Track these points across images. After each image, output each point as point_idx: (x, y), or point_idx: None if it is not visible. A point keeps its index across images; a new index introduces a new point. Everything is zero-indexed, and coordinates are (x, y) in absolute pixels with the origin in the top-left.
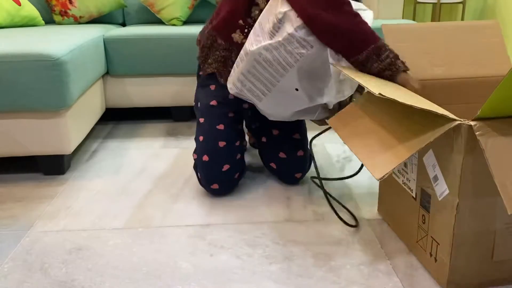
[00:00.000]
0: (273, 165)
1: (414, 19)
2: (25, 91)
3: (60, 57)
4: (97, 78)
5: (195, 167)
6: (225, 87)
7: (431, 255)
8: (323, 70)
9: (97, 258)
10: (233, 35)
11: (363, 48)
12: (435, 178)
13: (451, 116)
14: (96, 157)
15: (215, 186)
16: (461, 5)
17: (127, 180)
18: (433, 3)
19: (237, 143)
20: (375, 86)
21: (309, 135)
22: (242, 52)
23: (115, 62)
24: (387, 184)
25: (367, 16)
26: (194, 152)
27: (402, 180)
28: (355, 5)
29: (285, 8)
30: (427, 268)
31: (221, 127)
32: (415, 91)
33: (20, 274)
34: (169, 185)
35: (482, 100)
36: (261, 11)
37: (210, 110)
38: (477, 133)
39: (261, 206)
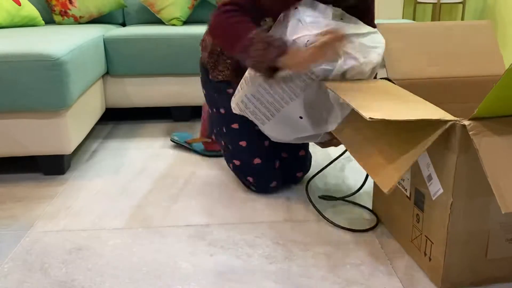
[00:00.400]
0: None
1: (414, 19)
2: (25, 91)
3: (60, 57)
4: (97, 78)
5: (240, 175)
6: None
7: (425, 254)
8: (328, 99)
9: (97, 258)
10: None
11: (234, 47)
12: (429, 177)
13: (447, 117)
14: (96, 157)
15: (274, 184)
16: (461, 5)
17: (127, 180)
18: (433, 3)
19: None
20: (363, 103)
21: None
22: (247, 74)
23: (115, 62)
24: None
25: (376, 40)
26: (232, 159)
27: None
28: (364, 29)
29: (294, 37)
30: (422, 267)
31: (256, 127)
32: (312, 58)
33: (20, 274)
34: (169, 185)
35: (476, 99)
36: (270, 26)
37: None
38: (470, 132)
39: (261, 206)
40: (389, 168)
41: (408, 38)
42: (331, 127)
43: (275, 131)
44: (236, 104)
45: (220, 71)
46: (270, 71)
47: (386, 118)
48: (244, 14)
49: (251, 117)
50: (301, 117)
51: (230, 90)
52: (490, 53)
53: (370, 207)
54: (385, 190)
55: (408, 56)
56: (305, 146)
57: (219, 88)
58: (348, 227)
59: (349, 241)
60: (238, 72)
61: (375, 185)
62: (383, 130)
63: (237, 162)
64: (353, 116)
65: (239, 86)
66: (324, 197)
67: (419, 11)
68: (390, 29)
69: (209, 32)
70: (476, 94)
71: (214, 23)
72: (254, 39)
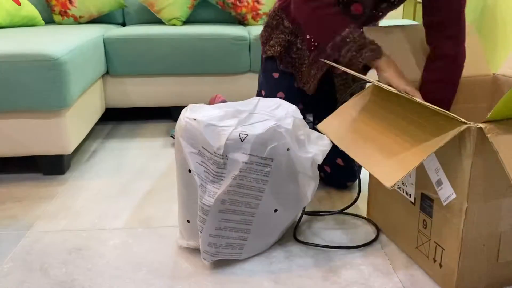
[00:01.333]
0: (327, 168)
1: (414, 19)
2: (25, 91)
3: (60, 57)
4: (97, 78)
5: None
6: (287, 74)
7: (435, 260)
8: (292, 173)
9: (97, 258)
10: None
11: (326, 41)
12: (439, 182)
13: (461, 119)
14: (96, 157)
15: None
16: None
17: (127, 180)
18: None
19: None
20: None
21: None
22: (200, 214)
23: (115, 62)
24: (379, 189)
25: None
26: None
27: (397, 185)
28: None
29: (222, 141)
30: (430, 273)
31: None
32: (400, 88)
33: (20, 274)
34: (169, 185)
35: (464, 100)
36: (362, 22)
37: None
38: (488, 135)
39: None
40: (391, 162)
41: (393, 41)
42: (310, 197)
43: (257, 244)
44: (204, 252)
45: (271, 46)
46: (364, 69)
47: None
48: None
49: (227, 252)
50: (275, 210)
51: (276, 75)
52: (474, 54)
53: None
54: (388, 185)
55: (394, 59)
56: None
57: (266, 68)
58: (351, 245)
59: (349, 241)
60: (287, 50)
61: (370, 190)
62: (382, 128)
63: None
64: (344, 110)
65: (198, 233)
66: (312, 213)
67: (419, 11)
68: (374, 31)
69: (295, 16)
70: (463, 96)
71: (304, 12)
72: (348, 39)
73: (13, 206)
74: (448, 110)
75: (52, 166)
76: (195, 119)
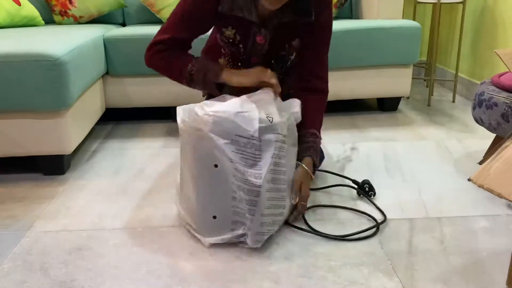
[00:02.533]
0: None
1: (414, 19)
2: (25, 91)
3: (60, 57)
4: (97, 78)
5: None
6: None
7: None
8: (293, 144)
9: (97, 258)
10: (219, 60)
11: (181, 82)
12: None
13: None
14: (96, 157)
15: None
16: (461, 5)
17: (127, 180)
18: (433, 3)
19: None
20: None
21: None
22: (249, 198)
23: (115, 62)
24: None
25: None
26: None
27: None
28: None
29: (256, 125)
30: None
31: None
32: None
33: (20, 274)
34: (169, 185)
35: None
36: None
37: None
38: None
39: None
40: None
41: None
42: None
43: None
44: (258, 235)
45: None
46: (218, 88)
47: None
48: (176, 48)
49: (272, 232)
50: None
51: None
52: None
53: (373, 208)
54: None
55: None
56: None
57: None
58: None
59: (349, 241)
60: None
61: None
62: None
63: None
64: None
65: (224, 234)
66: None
67: (419, 11)
68: None
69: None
70: None
71: (154, 64)
72: (192, 71)
73: (13, 206)
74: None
75: (52, 166)
76: (224, 111)
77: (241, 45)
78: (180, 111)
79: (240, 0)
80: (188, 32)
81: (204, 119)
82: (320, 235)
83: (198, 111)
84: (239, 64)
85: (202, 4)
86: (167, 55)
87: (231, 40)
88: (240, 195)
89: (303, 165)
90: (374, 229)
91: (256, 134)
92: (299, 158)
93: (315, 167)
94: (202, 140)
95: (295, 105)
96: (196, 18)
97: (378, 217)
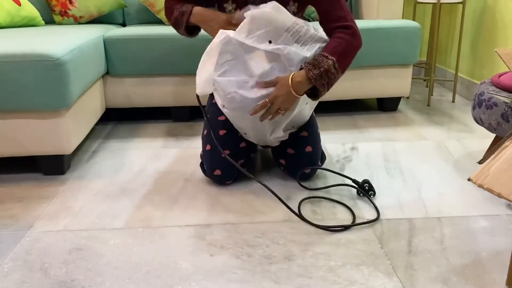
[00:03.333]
0: (282, 161)
1: (414, 19)
2: (25, 91)
3: (60, 57)
4: (97, 78)
5: (201, 164)
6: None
7: None
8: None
9: (97, 258)
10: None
11: (170, 21)
12: None
13: None
14: (96, 157)
15: (218, 172)
16: (461, 5)
17: (127, 180)
18: (433, 3)
19: (239, 133)
20: None
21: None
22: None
23: (115, 62)
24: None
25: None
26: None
27: None
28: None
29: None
30: None
31: (222, 118)
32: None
33: (20, 274)
34: (169, 185)
35: None
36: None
37: (213, 105)
38: None
39: (261, 206)
40: None
41: None
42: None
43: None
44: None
45: None
46: (189, 31)
47: None
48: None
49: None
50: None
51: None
52: None
53: (373, 208)
54: None
55: None
56: (313, 143)
57: (210, 102)
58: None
59: (349, 241)
60: None
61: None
62: None
63: (201, 153)
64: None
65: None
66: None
67: (419, 11)
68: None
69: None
70: None
71: (167, 15)
72: (176, 13)
73: (13, 206)
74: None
75: (52, 166)
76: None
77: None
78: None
79: None
80: None
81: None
82: (305, 220)
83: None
84: None
85: None
86: (172, 4)
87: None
88: None
89: (292, 75)
90: (368, 224)
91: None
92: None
93: (312, 82)
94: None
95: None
96: None
97: (380, 216)
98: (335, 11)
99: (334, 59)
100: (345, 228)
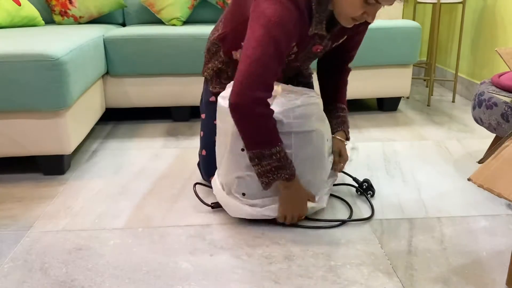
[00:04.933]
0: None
1: (414, 19)
2: (25, 91)
3: (60, 57)
4: (97, 78)
5: (199, 164)
6: (224, 83)
7: None
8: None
9: (97, 258)
10: (233, 52)
11: (253, 147)
12: None
13: None
14: (96, 157)
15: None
16: (461, 5)
17: (127, 180)
18: (433, 3)
19: None
20: None
21: None
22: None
23: (115, 62)
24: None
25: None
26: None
27: None
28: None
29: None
30: None
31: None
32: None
33: (20, 274)
34: (169, 185)
35: None
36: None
37: (209, 106)
38: None
39: None
40: None
41: None
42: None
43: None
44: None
45: (207, 68)
46: (270, 184)
47: None
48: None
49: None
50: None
51: (213, 99)
52: None
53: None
54: None
55: None
56: None
57: (206, 81)
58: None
59: (349, 241)
60: (218, 75)
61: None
62: None
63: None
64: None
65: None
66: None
67: (419, 11)
68: None
69: (234, 117)
70: None
71: (248, 117)
72: (275, 156)
73: (13, 206)
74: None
75: (52, 166)
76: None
77: (293, 55)
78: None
79: (321, 17)
80: (280, 67)
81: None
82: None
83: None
84: None
85: (290, 31)
86: (268, 115)
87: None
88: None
89: (338, 137)
90: (364, 221)
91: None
92: (333, 131)
93: (347, 138)
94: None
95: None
96: (284, 50)
97: (379, 216)
98: (354, 51)
99: (347, 108)
100: (342, 222)
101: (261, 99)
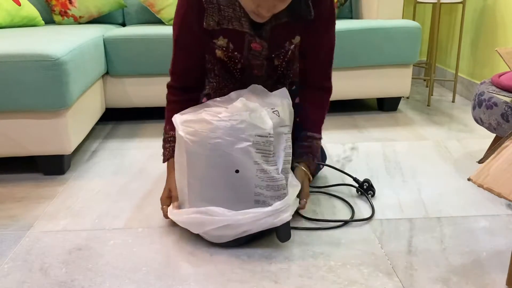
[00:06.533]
0: None
1: (414, 19)
2: (25, 91)
3: (60, 57)
4: (97, 78)
5: None
6: (212, 82)
7: None
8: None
9: (97, 258)
10: (216, 50)
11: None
12: None
13: None
14: (96, 157)
15: None
16: (461, 5)
17: (127, 180)
18: (433, 3)
19: None
20: None
21: None
22: (279, 193)
23: (115, 62)
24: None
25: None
26: None
27: None
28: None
29: (269, 121)
30: None
31: None
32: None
33: (20, 274)
34: None
35: None
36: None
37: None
38: None
39: None
40: None
41: None
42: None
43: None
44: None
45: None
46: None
47: None
48: (182, 93)
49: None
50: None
51: (204, 99)
52: None
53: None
54: None
55: None
56: None
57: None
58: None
59: (349, 241)
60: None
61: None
62: None
63: None
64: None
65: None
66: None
67: (419, 11)
68: None
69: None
70: None
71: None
72: (167, 135)
73: (13, 206)
74: (320, 131)
75: (52, 166)
76: (238, 114)
77: (236, 53)
78: (178, 121)
79: (228, 11)
80: (188, 60)
81: (221, 125)
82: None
83: (209, 118)
84: (238, 74)
85: (187, 25)
86: (170, 108)
87: (224, 48)
88: (265, 194)
89: (302, 167)
90: (365, 221)
91: (272, 131)
92: (296, 161)
93: (311, 169)
94: (219, 147)
95: (285, 93)
96: (188, 41)
97: (379, 216)
98: (327, 68)
99: (321, 137)
100: (344, 222)
101: (169, 86)
